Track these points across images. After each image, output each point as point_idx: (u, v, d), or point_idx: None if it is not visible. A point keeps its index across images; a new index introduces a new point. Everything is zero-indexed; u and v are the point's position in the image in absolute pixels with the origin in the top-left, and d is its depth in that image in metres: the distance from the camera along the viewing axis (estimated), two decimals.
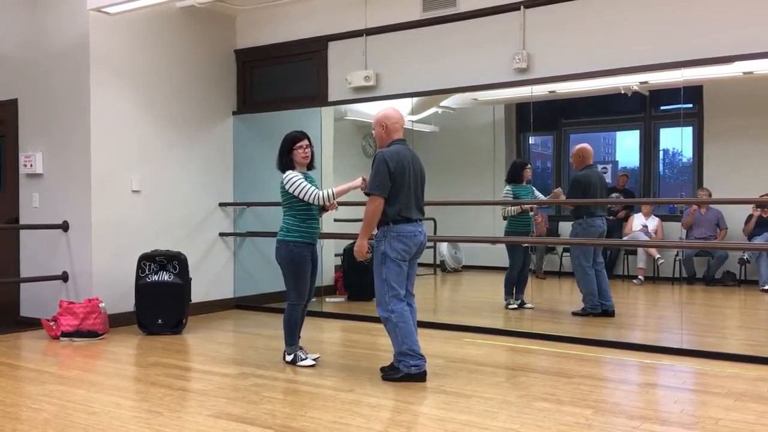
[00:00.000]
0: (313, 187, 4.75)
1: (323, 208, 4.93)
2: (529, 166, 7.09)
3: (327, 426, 3.60)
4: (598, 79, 5.89)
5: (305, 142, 4.87)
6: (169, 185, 7.02)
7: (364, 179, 4.63)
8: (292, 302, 4.89)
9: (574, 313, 6.51)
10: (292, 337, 4.94)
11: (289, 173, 4.79)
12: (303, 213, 4.82)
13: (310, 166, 4.98)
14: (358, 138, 8.36)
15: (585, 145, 6.75)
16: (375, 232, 4.55)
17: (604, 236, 6.59)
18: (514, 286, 6.93)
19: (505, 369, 4.88)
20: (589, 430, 3.51)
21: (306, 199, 4.72)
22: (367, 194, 4.43)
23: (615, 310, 6.44)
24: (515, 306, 6.90)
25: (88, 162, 6.36)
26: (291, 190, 4.75)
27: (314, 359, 5.00)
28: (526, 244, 6.94)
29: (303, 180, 4.76)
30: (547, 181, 8.48)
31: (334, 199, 4.73)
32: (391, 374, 4.49)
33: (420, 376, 4.42)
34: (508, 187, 6.94)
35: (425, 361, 4.48)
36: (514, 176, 6.97)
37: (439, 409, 3.90)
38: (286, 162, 4.86)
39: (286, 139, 4.90)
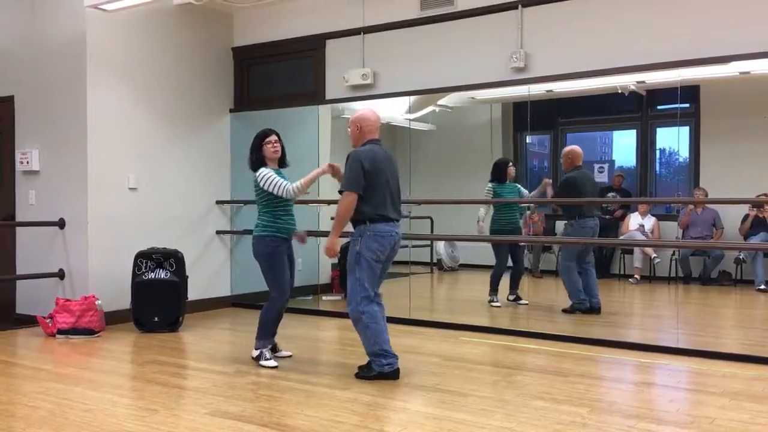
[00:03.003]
0: (285, 181, 4.82)
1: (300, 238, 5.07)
2: (512, 164, 7.12)
3: (323, 424, 3.60)
4: (595, 79, 5.90)
5: (274, 137, 4.99)
6: (166, 183, 7.01)
7: (331, 165, 4.74)
8: (273, 298, 4.96)
9: (564, 311, 6.58)
10: (264, 334, 4.99)
11: (262, 170, 4.89)
12: (278, 209, 4.90)
13: (282, 163, 5.08)
14: None
15: (574, 147, 6.83)
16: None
17: (596, 237, 6.63)
18: (499, 283, 7.00)
19: (502, 368, 4.88)
20: (585, 429, 3.52)
21: (277, 192, 4.80)
22: (340, 192, 4.46)
23: (601, 307, 6.51)
24: (498, 304, 6.97)
25: (85, 159, 6.36)
26: (264, 186, 4.85)
27: (287, 356, 5.12)
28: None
29: (274, 174, 4.85)
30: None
31: (302, 190, 4.80)
32: (364, 373, 4.51)
33: (393, 374, 4.44)
34: (489, 185, 6.98)
35: (397, 359, 4.50)
36: (498, 175, 7.01)
37: (436, 408, 3.91)
38: (257, 159, 4.97)
39: (256, 137, 5.02)
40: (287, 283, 4.96)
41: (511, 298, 7.06)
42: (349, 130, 4.66)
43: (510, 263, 7.04)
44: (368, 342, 4.47)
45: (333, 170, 4.76)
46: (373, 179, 4.41)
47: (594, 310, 6.51)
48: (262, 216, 4.97)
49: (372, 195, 4.42)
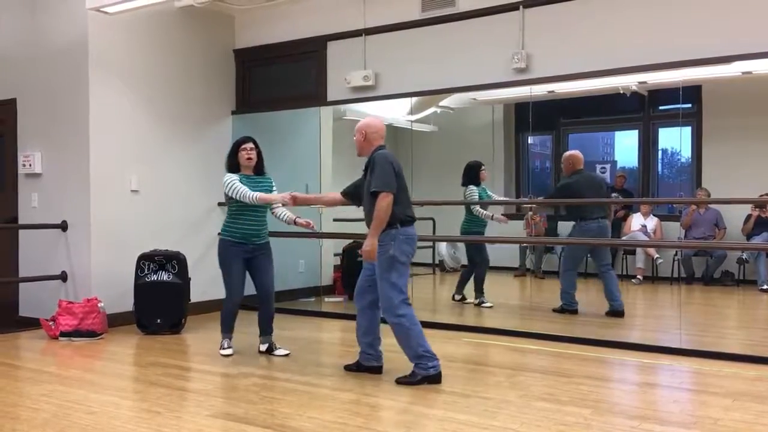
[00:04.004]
0: (244, 187, 5.03)
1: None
2: (484, 167, 7.13)
3: (326, 426, 3.60)
4: (597, 79, 5.89)
5: (249, 145, 5.20)
6: (168, 185, 7.01)
7: (292, 196, 4.91)
8: (227, 297, 5.27)
9: (554, 310, 6.59)
10: (224, 326, 5.33)
11: (228, 176, 5.15)
12: (235, 213, 5.17)
13: (258, 169, 5.27)
14: None
15: (575, 151, 6.83)
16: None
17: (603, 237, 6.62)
18: (483, 283, 7.08)
19: (505, 369, 4.88)
20: (588, 430, 3.52)
21: (237, 195, 5.03)
22: (373, 193, 4.34)
23: (624, 311, 6.43)
24: (489, 304, 7.05)
25: (87, 162, 6.36)
26: (226, 189, 5.10)
27: (284, 354, 5.23)
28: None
29: (236, 181, 5.08)
30: (546, 181, 8.49)
31: (258, 202, 5.01)
32: (408, 379, 4.39)
33: (437, 377, 4.37)
34: (472, 186, 7.00)
35: (439, 361, 4.44)
36: (473, 178, 7.03)
37: (439, 409, 3.91)
38: (232, 164, 5.21)
39: (233, 143, 5.28)
40: (235, 285, 5.20)
41: (458, 297, 7.17)
42: (354, 137, 4.63)
43: (468, 264, 7.19)
44: (410, 345, 4.37)
45: (294, 202, 4.94)
46: (400, 181, 4.44)
47: (617, 313, 6.38)
48: (226, 219, 5.26)
49: (401, 196, 4.43)
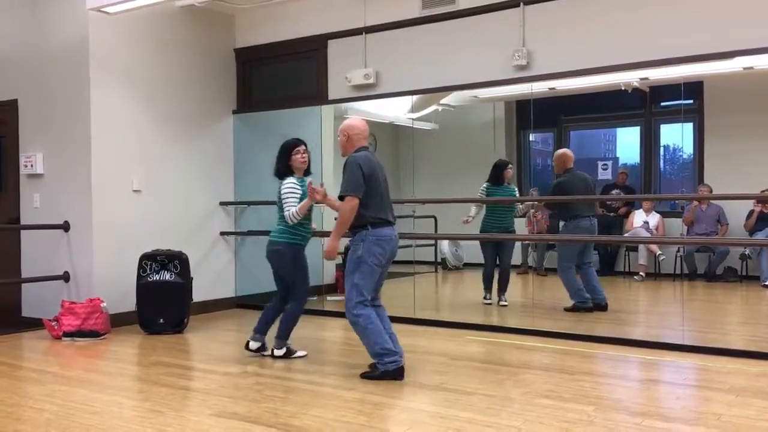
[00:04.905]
0: (294, 206, 4.91)
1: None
2: (510, 166, 7.12)
3: (329, 424, 3.60)
4: (598, 76, 5.90)
5: (302, 147, 5.11)
6: (169, 185, 7.02)
7: (320, 188, 4.80)
8: (303, 300, 5.10)
9: (566, 309, 6.56)
10: (288, 333, 5.16)
11: (291, 180, 5.00)
12: (302, 218, 4.99)
13: (307, 171, 5.20)
14: None
15: (565, 150, 6.87)
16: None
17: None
18: (491, 282, 7.06)
19: (507, 366, 4.88)
20: (591, 427, 3.51)
21: (285, 213, 4.93)
22: (341, 197, 4.47)
23: (607, 304, 6.50)
24: (489, 302, 7.03)
25: (89, 162, 6.37)
26: (283, 197, 4.96)
27: (269, 354, 5.18)
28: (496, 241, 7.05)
29: (295, 196, 4.93)
30: (547, 179, 8.47)
31: (298, 218, 4.90)
32: (370, 373, 4.52)
33: (398, 372, 4.44)
34: (484, 185, 7.02)
35: (401, 356, 4.50)
36: (495, 177, 7.02)
37: (441, 407, 3.90)
38: (284, 168, 5.07)
39: (285, 146, 5.12)
40: (308, 287, 5.16)
41: (501, 300, 7.09)
42: (338, 138, 4.71)
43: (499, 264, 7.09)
44: (369, 343, 4.48)
45: (324, 199, 4.83)
46: (371, 184, 4.47)
47: (601, 307, 6.50)
48: (288, 224, 5.00)
49: (371, 199, 4.47)
